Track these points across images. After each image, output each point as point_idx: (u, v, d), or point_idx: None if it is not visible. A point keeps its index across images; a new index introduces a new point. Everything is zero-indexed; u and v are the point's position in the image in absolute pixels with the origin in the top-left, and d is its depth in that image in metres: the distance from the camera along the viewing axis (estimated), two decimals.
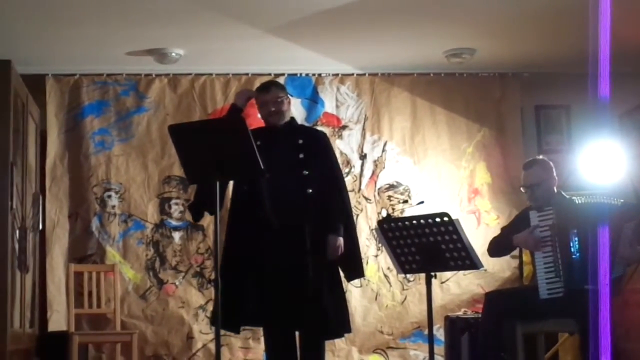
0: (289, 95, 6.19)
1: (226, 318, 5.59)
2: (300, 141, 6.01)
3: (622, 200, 5.96)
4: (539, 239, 5.90)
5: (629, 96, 8.46)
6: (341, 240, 5.94)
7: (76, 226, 8.30)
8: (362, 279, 7.79)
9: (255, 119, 8.24)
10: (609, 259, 5.66)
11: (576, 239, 5.81)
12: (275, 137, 6.00)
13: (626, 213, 5.86)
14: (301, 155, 5.96)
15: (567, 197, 6.08)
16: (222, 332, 5.57)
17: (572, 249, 5.80)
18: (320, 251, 5.89)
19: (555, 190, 6.13)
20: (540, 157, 6.35)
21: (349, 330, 6.14)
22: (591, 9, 4.81)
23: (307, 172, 5.92)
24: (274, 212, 5.85)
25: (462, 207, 8.67)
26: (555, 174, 6.17)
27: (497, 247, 6.29)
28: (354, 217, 8.24)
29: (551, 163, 6.20)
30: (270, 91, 6.06)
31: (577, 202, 5.97)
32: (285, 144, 6.00)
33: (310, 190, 5.90)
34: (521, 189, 6.27)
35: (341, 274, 6.13)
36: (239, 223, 5.98)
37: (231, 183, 6.18)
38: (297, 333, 5.96)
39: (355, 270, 6.20)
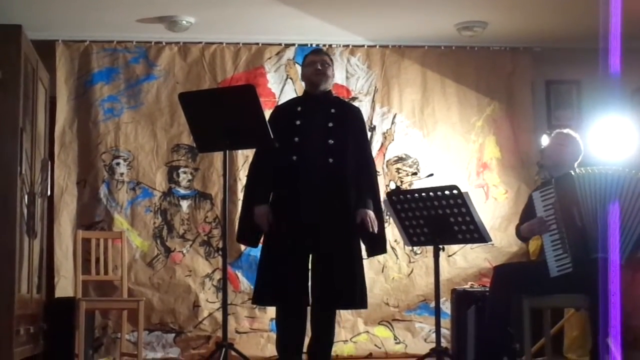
0: (333, 68, 6.22)
1: (265, 294, 5.86)
2: (333, 110, 6.01)
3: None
4: (544, 220, 5.82)
5: None
6: (370, 213, 5.91)
7: (84, 193, 8.31)
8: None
9: (264, 89, 8.27)
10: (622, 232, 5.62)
11: (579, 211, 5.72)
12: (313, 104, 6.01)
13: None
14: (330, 124, 5.94)
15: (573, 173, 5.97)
16: (229, 301, 5.59)
17: (577, 222, 5.72)
18: (343, 223, 5.88)
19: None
20: (570, 132, 6.22)
21: (364, 305, 6.07)
22: None
23: (332, 142, 5.90)
24: (303, 182, 5.85)
25: (471, 181, 8.65)
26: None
27: (519, 236, 6.23)
28: None
29: (578, 138, 6.12)
30: (319, 53, 6.20)
31: (573, 174, 5.84)
32: (319, 112, 5.99)
33: (332, 160, 5.88)
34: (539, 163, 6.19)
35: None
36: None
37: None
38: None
39: (379, 246, 6.14)
